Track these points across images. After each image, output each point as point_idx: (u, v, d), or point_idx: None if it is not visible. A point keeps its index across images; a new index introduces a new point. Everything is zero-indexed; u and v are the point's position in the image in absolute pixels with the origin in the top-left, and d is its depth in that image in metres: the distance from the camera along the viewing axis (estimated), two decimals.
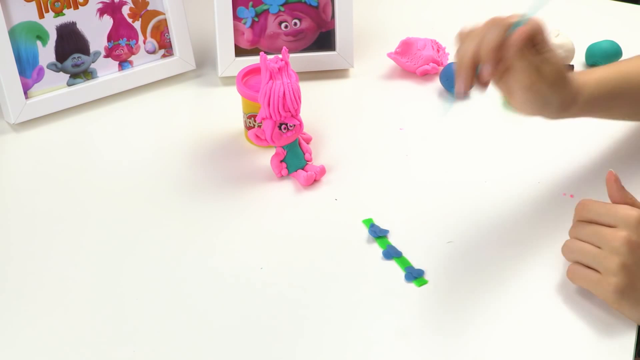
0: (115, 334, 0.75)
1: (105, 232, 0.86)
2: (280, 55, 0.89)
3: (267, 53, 0.95)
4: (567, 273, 0.77)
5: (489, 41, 0.75)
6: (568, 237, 0.78)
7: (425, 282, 0.79)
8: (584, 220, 0.76)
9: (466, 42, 0.77)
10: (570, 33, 1.11)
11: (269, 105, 0.88)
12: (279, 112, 0.89)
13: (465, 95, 0.75)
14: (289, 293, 0.79)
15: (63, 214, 0.89)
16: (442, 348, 0.74)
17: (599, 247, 0.74)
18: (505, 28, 0.75)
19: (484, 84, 0.78)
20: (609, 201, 0.77)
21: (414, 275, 0.80)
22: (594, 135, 0.98)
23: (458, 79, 0.76)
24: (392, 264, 0.82)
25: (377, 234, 0.84)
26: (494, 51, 0.75)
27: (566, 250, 0.77)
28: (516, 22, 0.76)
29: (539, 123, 0.93)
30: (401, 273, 0.81)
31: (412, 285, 0.79)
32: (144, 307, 0.78)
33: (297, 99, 0.89)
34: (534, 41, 0.77)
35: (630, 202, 0.76)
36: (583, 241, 0.75)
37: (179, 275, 0.81)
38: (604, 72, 0.88)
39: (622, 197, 0.77)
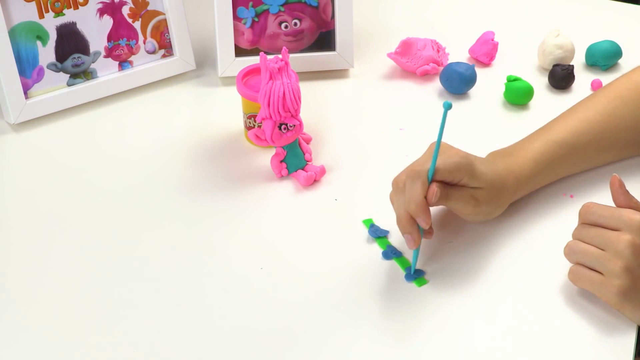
0: (115, 334, 0.75)
1: (105, 232, 0.86)
2: (280, 56, 0.89)
3: (267, 53, 0.95)
4: (569, 274, 0.77)
5: (412, 198, 0.78)
6: (569, 238, 0.78)
7: (425, 282, 0.79)
8: (588, 222, 0.77)
9: (395, 201, 0.80)
10: (570, 33, 1.11)
11: (268, 105, 0.88)
12: (278, 112, 0.89)
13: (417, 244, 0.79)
14: (288, 293, 0.79)
15: (63, 214, 0.89)
16: (442, 348, 0.74)
17: (603, 250, 0.74)
18: (422, 179, 0.78)
19: (429, 232, 0.81)
20: (611, 203, 0.77)
21: (414, 275, 0.80)
22: None
23: (405, 237, 0.79)
24: (392, 264, 0.82)
25: (377, 234, 0.84)
26: (419, 207, 0.77)
27: (569, 251, 0.77)
28: (430, 168, 0.78)
29: (539, 122, 0.94)
30: (401, 273, 0.81)
31: (412, 285, 0.79)
32: (143, 307, 0.78)
33: (297, 99, 0.89)
34: (454, 181, 0.80)
35: (635, 206, 0.77)
36: (586, 243, 0.76)
37: (179, 275, 0.81)
38: (541, 146, 0.88)
39: (626, 201, 0.77)
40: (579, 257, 0.76)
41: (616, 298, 0.73)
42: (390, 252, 0.82)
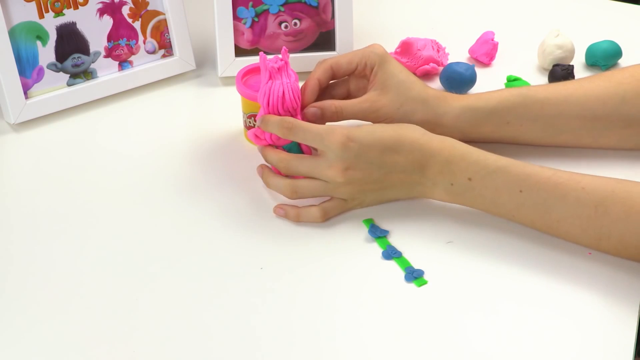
0: (115, 334, 0.75)
1: (105, 231, 0.86)
2: (279, 55, 0.89)
3: (267, 53, 0.95)
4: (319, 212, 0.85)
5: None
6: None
7: (425, 282, 0.79)
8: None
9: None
10: (570, 33, 1.11)
11: (268, 105, 0.88)
12: (278, 111, 0.88)
13: None
14: (288, 293, 0.79)
15: (63, 214, 0.89)
16: (442, 348, 0.74)
17: (325, 181, 0.84)
18: (323, 65, 0.92)
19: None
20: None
21: (414, 275, 0.80)
22: None
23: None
24: (392, 264, 0.82)
25: (377, 234, 0.84)
26: (305, 86, 0.91)
27: (290, 191, 0.85)
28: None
29: None
30: (401, 273, 0.81)
31: (412, 285, 0.79)
32: (143, 307, 0.78)
33: (296, 98, 0.89)
34: (358, 68, 0.92)
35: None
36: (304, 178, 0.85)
37: (179, 275, 0.81)
38: (495, 93, 0.92)
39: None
40: (305, 194, 0.86)
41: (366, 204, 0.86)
42: (390, 252, 0.82)
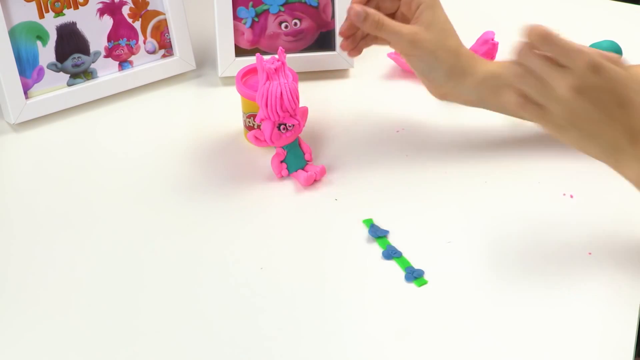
0: (115, 333, 0.75)
1: (105, 231, 0.87)
2: (276, 56, 0.89)
3: (267, 53, 0.95)
4: (515, 105, 0.76)
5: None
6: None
7: (425, 282, 0.79)
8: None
9: None
10: (570, 33, 1.11)
11: (266, 106, 0.88)
12: (277, 112, 0.89)
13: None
14: (288, 293, 0.79)
15: (63, 213, 0.89)
16: (442, 348, 0.74)
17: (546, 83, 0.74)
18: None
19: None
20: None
21: (414, 275, 0.80)
22: None
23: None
24: (392, 264, 0.82)
25: (377, 234, 0.84)
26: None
27: (517, 76, 0.75)
28: None
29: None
30: (401, 273, 0.81)
31: (412, 285, 0.79)
32: (143, 307, 0.78)
33: (294, 98, 0.89)
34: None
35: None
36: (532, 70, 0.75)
37: (179, 275, 0.81)
38: None
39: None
40: (525, 82, 0.75)
41: (555, 129, 0.75)
42: (390, 252, 0.82)
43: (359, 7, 0.88)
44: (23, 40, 0.99)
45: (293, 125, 0.90)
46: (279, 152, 0.92)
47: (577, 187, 0.90)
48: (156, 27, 1.08)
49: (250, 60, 1.05)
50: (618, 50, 1.10)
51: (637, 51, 1.13)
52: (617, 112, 0.74)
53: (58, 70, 1.03)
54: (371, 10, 0.88)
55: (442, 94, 0.94)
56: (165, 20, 1.08)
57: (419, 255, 0.82)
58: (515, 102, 0.76)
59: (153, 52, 1.09)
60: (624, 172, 0.77)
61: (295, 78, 0.91)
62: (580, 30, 1.15)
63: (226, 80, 1.09)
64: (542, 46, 0.74)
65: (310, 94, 1.00)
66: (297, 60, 1.05)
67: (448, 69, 0.90)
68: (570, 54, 0.73)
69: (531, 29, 0.73)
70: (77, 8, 1.02)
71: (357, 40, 0.93)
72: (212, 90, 1.09)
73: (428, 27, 0.89)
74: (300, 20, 1.08)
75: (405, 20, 0.91)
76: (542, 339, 0.74)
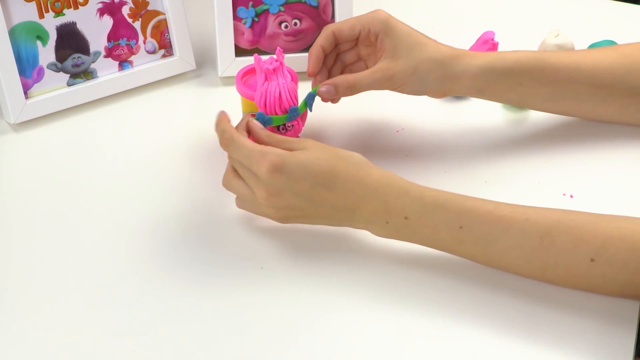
0: (115, 333, 0.75)
1: (105, 231, 0.87)
2: (275, 56, 0.89)
3: (267, 53, 0.95)
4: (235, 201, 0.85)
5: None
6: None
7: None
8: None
9: None
10: (570, 33, 1.11)
11: (265, 106, 0.88)
12: (276, 112, 0.89)
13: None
14: (288, 293, 0.79)
15: (63, 213, 0.89)
16: (442, 348, 0.74)
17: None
18: (326, 32, 0.92)
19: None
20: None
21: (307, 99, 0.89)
22: (594, 135, 0.98)
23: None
24: (393, 264, 0.81)
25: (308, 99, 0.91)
26: (311, 51, 0.92)
27: (225, 181, 0.84)
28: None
29: (539, 123, 0.94)
30: (401, 273, 0.80)
31: (412, 285, 0.79)
32: (143, 306, 0.78)
33: (293, 98, 0.89)
34: (362, 34, 0.91)
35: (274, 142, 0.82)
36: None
37: (178, 275, 0.81)
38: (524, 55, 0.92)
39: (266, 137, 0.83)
40: (234, 191, 0.84)
41: (284, 222, 0.83)
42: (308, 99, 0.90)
43: (326, 86, 0.90)
44: (23, 40, 0.99)
45: (292, 125, 0.90)
46: None
47: (577, 187, 0.90)
48: (156, 27, 1.08)
49: (250, 60, 1.05)
50: None
51: None
52: (318, 196, 0.79)
53: (58, 70, 1.03)
54: (338, 80, 0.90)
55: (441, 95, 0.94)
56: (165, 20, 1.08)
57: (419, 254, 0.82)
58: (237, 204, 0.85)
59: (153, 52, 1.09)
60: (366, 230, 0.82)
61: (295, 78, 0.91)
62: (580, 30, 1.16)
63: (226, 80, 1.09)
64: (228, 152, 0.81)
65: None
66: (297, 60, 1.05)
67: (437, 76, 0.90)
68: (252, 160, 0.78)
69: (217, 126, 0.82)
70: (77, 8, 1.02)
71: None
72: (212, 90, 1.09)
73: (395, 54, 0.90)
74: (300, 20, 1.08)
75: (374, 55, 0.92)
76: (542, 338, 0.74)
